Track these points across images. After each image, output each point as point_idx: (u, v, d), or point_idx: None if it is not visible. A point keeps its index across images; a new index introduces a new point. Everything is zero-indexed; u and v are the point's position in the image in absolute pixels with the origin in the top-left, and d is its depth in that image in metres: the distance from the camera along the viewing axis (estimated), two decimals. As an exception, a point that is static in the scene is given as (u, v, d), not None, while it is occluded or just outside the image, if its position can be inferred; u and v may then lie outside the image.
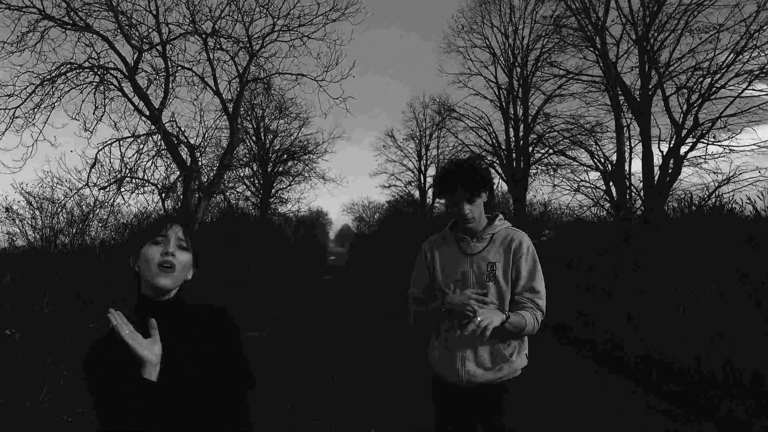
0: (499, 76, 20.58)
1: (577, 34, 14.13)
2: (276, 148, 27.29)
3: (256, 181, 26.64)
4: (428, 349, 2.60)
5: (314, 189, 49.68)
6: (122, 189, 11.46)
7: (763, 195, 6.23)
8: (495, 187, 2.55)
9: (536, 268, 2.42)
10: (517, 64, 19.46)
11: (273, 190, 28.11)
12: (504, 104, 20.31)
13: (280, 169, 27.66)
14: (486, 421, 2.43)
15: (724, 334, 5.57)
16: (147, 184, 12.58)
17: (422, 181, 31.83)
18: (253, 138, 25.97)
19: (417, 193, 32.17)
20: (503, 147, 20.51)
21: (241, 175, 26.13)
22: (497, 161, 20.55)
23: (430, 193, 31.28)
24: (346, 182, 44.45)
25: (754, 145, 10.74)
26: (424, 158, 31.50)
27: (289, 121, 26.63)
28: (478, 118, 21.42)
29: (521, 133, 19.54)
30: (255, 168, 26.49)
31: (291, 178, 28.63)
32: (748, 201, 6.52)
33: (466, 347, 2.40)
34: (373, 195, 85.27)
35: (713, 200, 9.31)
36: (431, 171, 31.37)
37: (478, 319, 2.09)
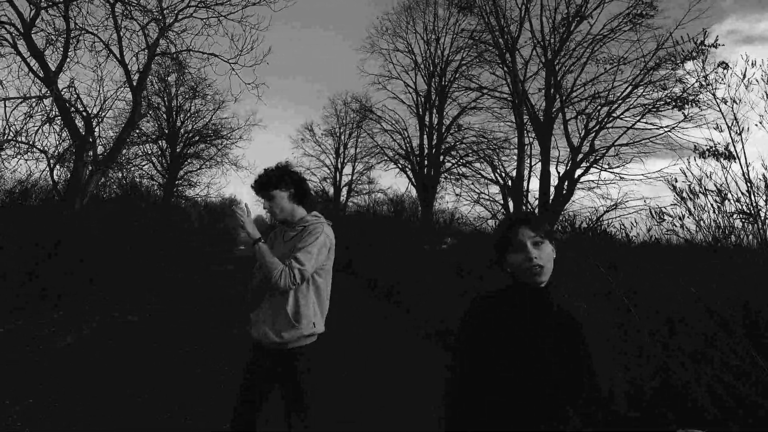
0: (418, 83, 20.82)
1: (492, 51, 14.49)
2: (188, 128, 26.33)
3: (164, 161, 25.56)
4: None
5: (225, 175, 48.36)
6: (3, 152, 10.63)
7: (635, 223, 6.58)
8: (301, 185, 3.03)
9: (311, 247, 2.80)
10: (436, 73, 19.73)
11: (182, 172, 27.10)
12: (421, 111, 20.53)
13: (191, 151, 26.70)
14: (281, 381, 2.85)
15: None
16: (34, 150, 11.78)
17: (338, 179, 31.71)
18: (164, 115, 24.91)
19: (332, 191, 32.00)
20: (416, 153, 20.73)
21: (149, 152, 25.05)
22: (409, 166, 20.76)
23: (344, 191, 31.24)
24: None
25: (642, 175, 11.39)
26: (342, 156, 31.40)
27: (203, 102, 25.79)
28: (394, 122, 21.63)
29: (434, 141, 19.81)
30: (163, 146, 25.43)
31: (202, 161, 27.71)
32: (622, 227, 6.86)
33: (267, 313, 2.85)
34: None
35: (600, 224, 9.74)
36: (347, 169, 31.38)
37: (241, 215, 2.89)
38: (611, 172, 11.84)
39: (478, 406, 1.80)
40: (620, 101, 11.38)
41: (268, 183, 2.95)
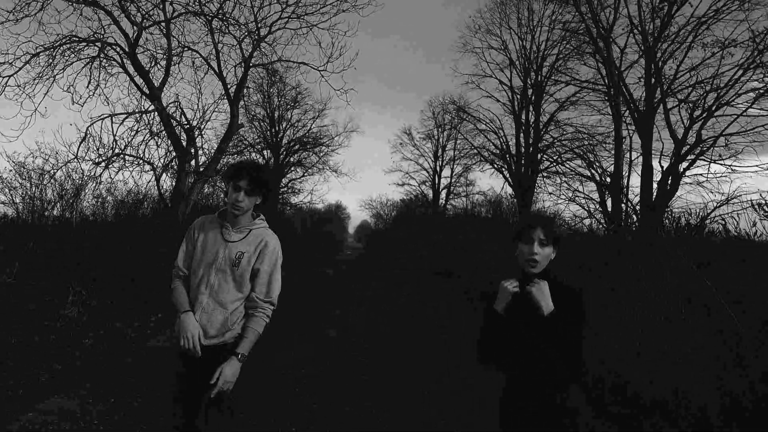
0: (513, 80, 20.25)
1: (586, 40, 13.73)
2: (290, 137, 27.20)
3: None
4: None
5: (327, 182, 49.53)
6: (112, 165, 11.43)
7: (737, 218, 5.91)
8: (271, 193, 3.05)
9: (275, 270, 2.96)
10: (532, 69, 19.06)
11: (287, 180, 28.03)
12: (516, 109, 19.92)
13: (293, 159, 27.58)
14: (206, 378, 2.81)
15: (681, 360, 5.29)
16: (142, 163, 12.57)
17: (436, 182, 31.50)
18: (267, 125, 25.90)
19: (431, 194, 31.84)
20: (512, 152, 20.14)
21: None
22: (505, 167, 20.21)
23: (443, 194, 30.97)
24: (359, 177, 44.40)
25: (756, 166, 10.25)
26: (440, 159, 31.16)
27: (303, 111, 26.57)
28: (489, 121, 21.16)
29: (531, 140, 19.13)
30: (267, 155, 26.44)
31: (305, 169, 28.54)
32: (722, 222, 6.21)
33: (203, 316, 2.85)
34: (388, 191, 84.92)
35: (704, 221, 8.89)
36: (446, 172, 31.07)
37: None
38: (721, 164, 10.75)
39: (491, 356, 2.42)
40: (728, 87, 10.32)
41: (265, 184, 2.91)
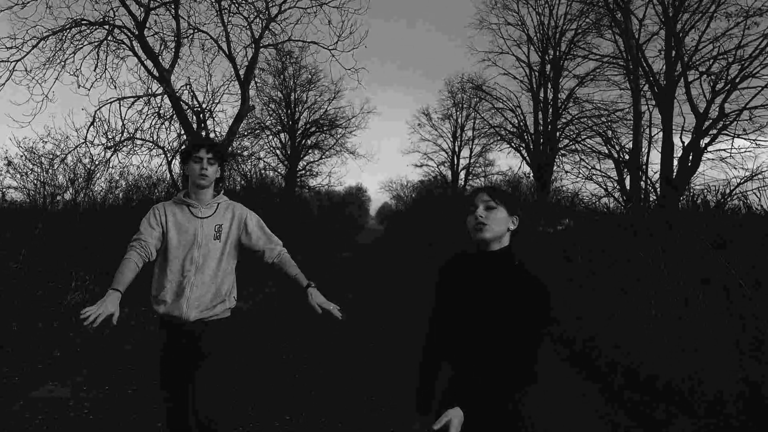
0: (531, 56, 19.72)
1: (605, 13, 13.25)
2: (307, 120, 26.92)
3: (285, 152, 26.39)
4: (155, 296, 2.90)
5: (345, 164, 49.38)
6: (121, 149, 11.35)
7: (758, 194, 5.59)
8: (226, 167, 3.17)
9: (263, 224, 3.11)
10: (550, 45, 18.52)
11: (304, 163, 27.83)
12: (534, 86, 19.42)
13: (310, 141, 27.33)
14: (198, 353, 2.87)
15: (697, 345, 5.03)
16: (153, 146, 12.47)
17: (455, 163, 31.09)
18: (284, 108, 25.66)
19: (449, 175, 31.46)
20: (531, 131, 19.68)
21: (273, 145, 25.99)
22: (523, 145, 19.78)
23: (462, 175, 30.59)
24: (377, 159, 44.30)
25: (782, 139, 9.79)
26: (459, 139, 30.68)
27: (319, 92, 26.25)
28: (506, 99, 20.68)
29: (549, 118, 18.65)
30: (284, 139, 26.25)
31: (322, 151, 28.29)
32: (743, 199, 5.89)
33: (194, 290, 2.84)
34: (406, 172, 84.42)
35: (732, 198, 8.50)
36: (465, 153, 30.66)
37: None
38: (745, 139, 10.31)
39: (433, 369, 2.18)
40: (752, 58, 9.84)
41: (222, 154, 2.99)
